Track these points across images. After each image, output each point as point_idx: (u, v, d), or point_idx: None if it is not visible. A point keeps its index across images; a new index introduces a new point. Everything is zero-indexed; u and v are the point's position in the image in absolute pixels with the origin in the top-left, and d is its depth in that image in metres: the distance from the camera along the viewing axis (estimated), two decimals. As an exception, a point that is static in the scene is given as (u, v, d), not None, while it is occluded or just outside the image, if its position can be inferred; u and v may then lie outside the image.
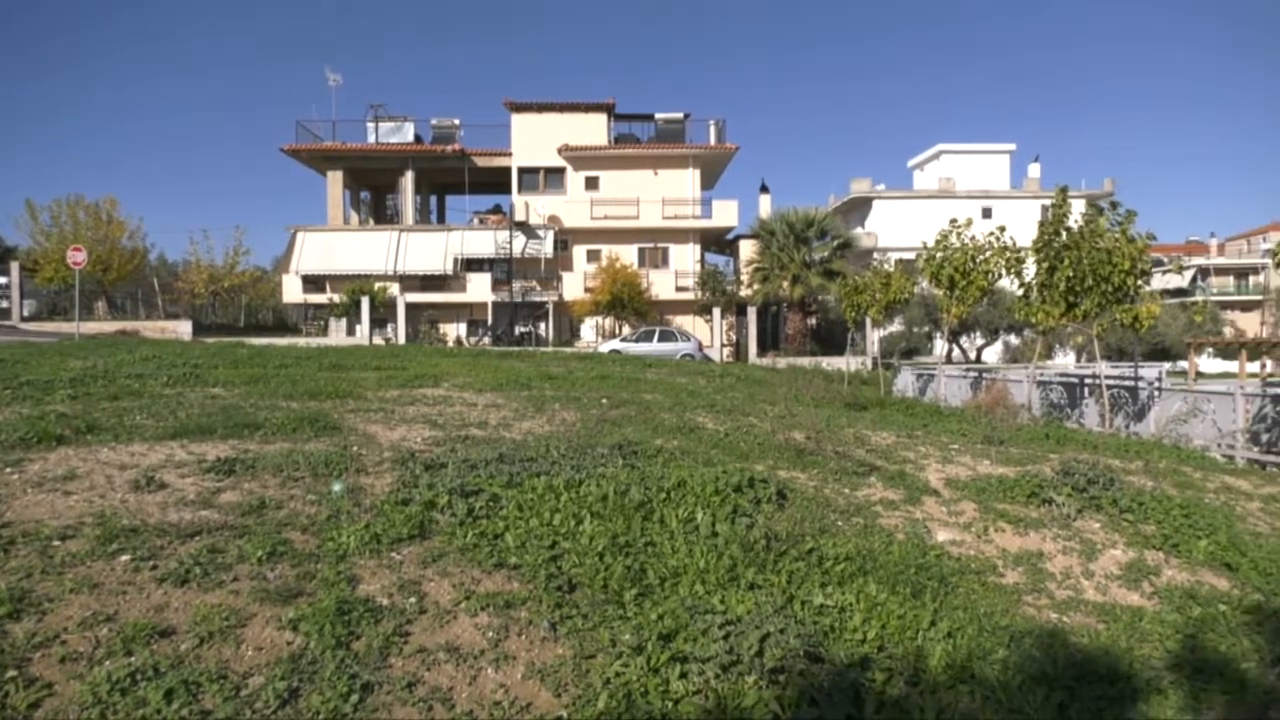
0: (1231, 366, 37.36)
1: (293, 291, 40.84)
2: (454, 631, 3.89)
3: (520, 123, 43.44)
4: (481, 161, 43.81)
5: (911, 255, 24.15)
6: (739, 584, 4.57)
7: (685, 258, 43.93)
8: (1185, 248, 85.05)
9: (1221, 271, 78.37)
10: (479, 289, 41.04)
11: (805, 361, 32.66)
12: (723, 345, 39.62)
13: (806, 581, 4.70)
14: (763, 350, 39.02)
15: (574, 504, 5.44)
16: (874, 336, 37.32)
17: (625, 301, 39.71)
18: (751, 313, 39.40)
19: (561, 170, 43.70)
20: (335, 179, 42.66)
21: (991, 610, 4.72)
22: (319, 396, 10.18)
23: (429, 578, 4.37)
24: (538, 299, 41.77)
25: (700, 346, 35.22)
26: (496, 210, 46.13)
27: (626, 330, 38.63)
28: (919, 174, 61.10)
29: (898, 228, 51.86)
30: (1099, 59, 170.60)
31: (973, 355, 44.13)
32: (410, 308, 38.58)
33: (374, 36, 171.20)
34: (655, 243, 43.87)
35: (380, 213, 47.93)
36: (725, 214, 44.09)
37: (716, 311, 39.46)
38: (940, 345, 39.72)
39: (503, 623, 3.99)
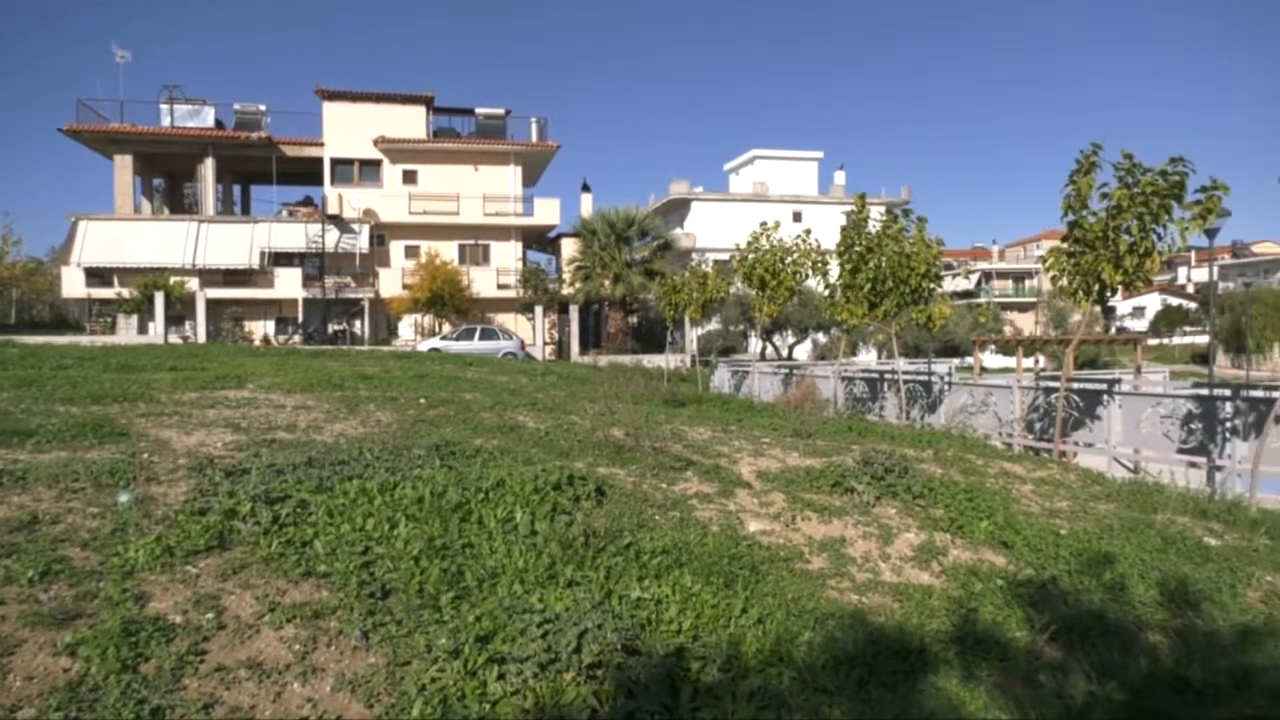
0: (1011, 362, 41.01)
1: (74, 285, 37.38)
2: (256, 646, 3.68)
3: (333, 111, 41.69)
4: (290, 151, 41.71)
5: (727, 256, 25.01)
6: (558, 581, 4.57)
7: (507, 255, 43.59)
8: (971, 253, 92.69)
9: (1002, 275, 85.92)
10: (288, 285, 39.06)
11: (626, 359, 33.14)
12: (545, 343, 39.59)
13: (624, 576, 4.76)
14: (585, 348, 39.29)
15: (388, 507, 5.28)
16: (693, 335, 38.40)
17: (445, 299, 38.96)
18: (574, 311, 39.59)
19: (378, 163, 42.30)
20: (124, 164, 39.40)
21: (799, 595, 4.95)
22: (104, 400, 9.37)
23: (229, 591, 4.11)
24: (353, 296, 40.27)
25: (522, 345, 35.04)
26: (307, 202, 44.07)
27: (447, 328, 37.90)
28: (734, 177, 63.32)
29: (715, 229, 53.54)
30: (899, 76, 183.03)
31: (785, 352, 46.24)
32: (211, 304, 36.22)
33: (168, 11, 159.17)
34: (476, 239, 43.28)
35: (177, 202, 44.63)
36: (547, 212, 44.09)
37: (539, 309, 39.39)
38: (755, 343, 41.41)
39: (310, 634, 3.81)
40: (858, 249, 15.21)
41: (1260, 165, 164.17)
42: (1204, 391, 13.31)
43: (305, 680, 3.50)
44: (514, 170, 43.59)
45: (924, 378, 17.97)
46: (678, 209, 57.57)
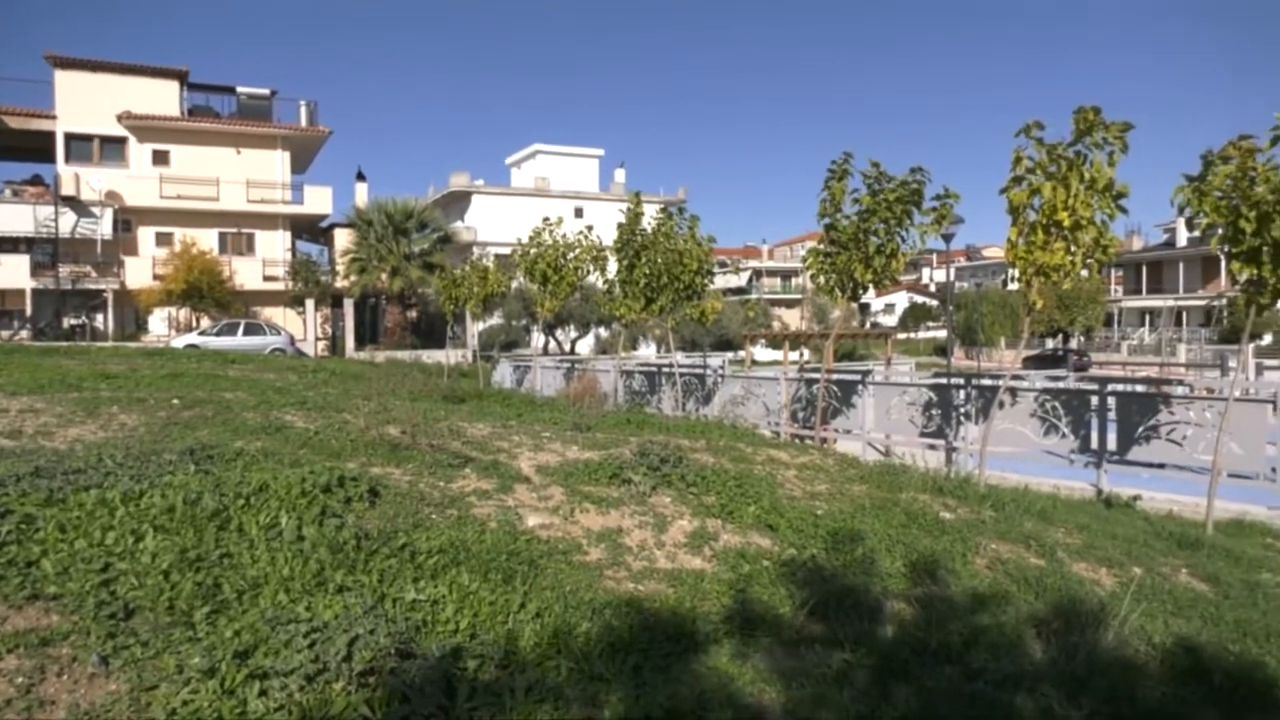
0: (780, 355, 43.58)
1: None
2: (-31, 683, 3.25)
3: (68, 81, 37.51)
4: (15, 122, 37.15)
5: (509, 250, 24.87)
6: (327, 588, 4.37)
7: (274, 245, 41.08)
8: (743, 251, 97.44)
9: (771, 273, 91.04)
10: (13, 273, 34.80)
11: (405, 355, 32.26)
12: (317, 339, 37.74)
13: (399, 578, 4.62)
14: (361, 344, 37.83)
15: (133, 519, 4.82)
16: (474, 330, 37.89)
17: (204, 291, 36.15)
18: (348, 305, 38.01)
19: (123, 140, 38.54)
20: None
21: (577, 587, 5.00)
22: None
23: (-66, 623, 3.61)
24: (93, 287, 36.48)
25: (292, 340, 33.22)
26: (36, 181, 39.40)
27: (206, 323, 35.24)
28: (516, 172, 63.05)
29: (496, 223, 53.06)
30: (679, 79, 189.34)
31: (568, 347, 46.63)
32: (-85, 295, 31.63)
33: None
34: (239, 228, 40.46)
35: None
36: (318, 201, 41.94)
37: (310, 303, 37.48)
38: (538, 338, 41.46)
39: (38, 664, 3.41)
40: (634, 246, 15.60)
41: (982, 172, 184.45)
42: (942, 381, 14.75)
43: (31, 716, 3.13)
44: (281, 155, 41.11)
45: (699, 371, 18.73)
46: (458, 201, 56.55)
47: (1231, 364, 24.94)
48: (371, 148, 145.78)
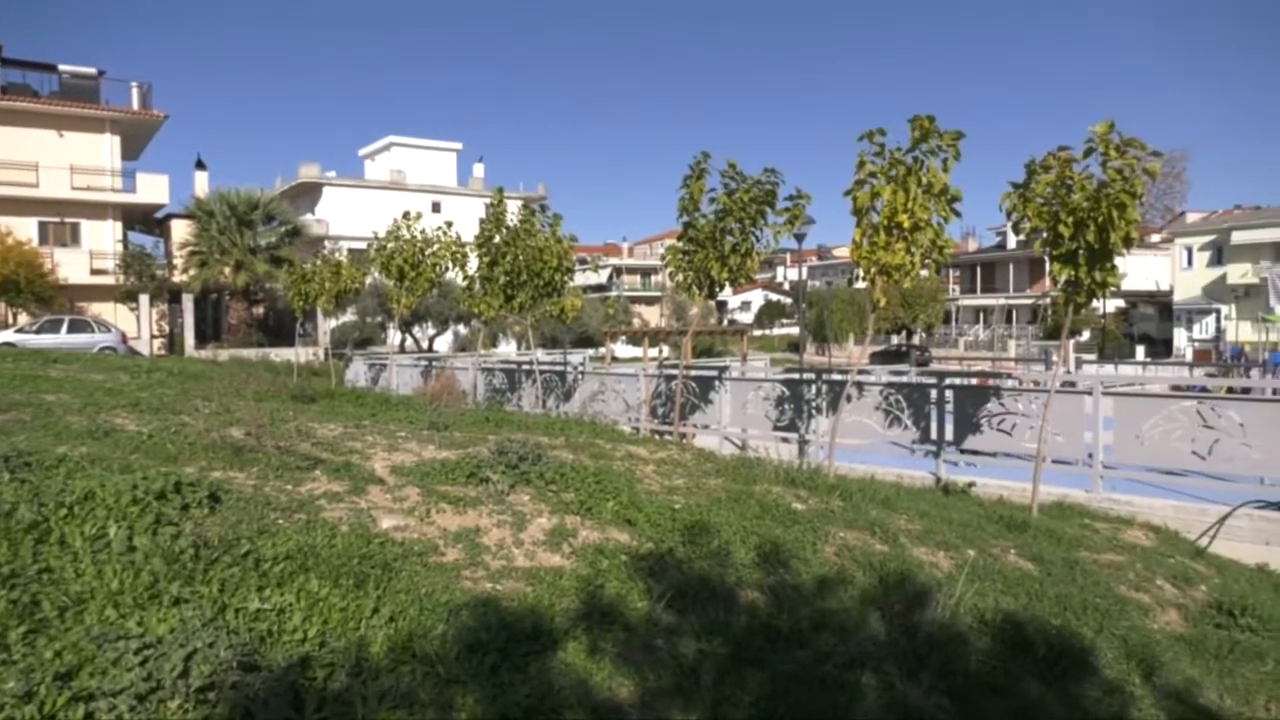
0: (640, 352, 44.04)
1: None
2: None
3: None
4: None
5: (364, 245, 24.12)
6: (161, 601, 4.11)
7: (103, 236, 38.37)
8: (603, 249, 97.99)
9: (631, 271, 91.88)
10: None
11: (251, 354, 30.82)
12: (153, 336, 35.56)
13: (242, 587, 4.40)
14: (203, 342, 35.89)
15: (-64, 533, 4.40)
16: (326, 327, 36.59)
17: (21, 285, 33.36)
18: (188, 301, 35.98)
19: (-76, 120, 35.10)
20: None
21: (433, 589, 4.89)
22: None
23: None
24: (-109, 280, 33.08)
25: (124, 338, 31.10)
26: None
27: (24, 319, 32.54)
28: (370, 164, 61.18)
29: (349, 216, 51.33)
30: (539, 75, 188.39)
31: (425, 344, 45.65)
32: None
33: None
34: (62, 217, 37.57)
35: None
36: (153, 189, 39.42)
37: (145, 299, 35.25)
38: (394, 335, 40.39)
39: None
40: (495, 242, 15.41)
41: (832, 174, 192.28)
42: (794, 376, 15.26)
43: None
44: (110, 140, 38.39)
45: (560, 368, 18.70)
46: (308, 193, 54.34)
47: (1054, 358, 26.94)
48: (213, 137, 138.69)
